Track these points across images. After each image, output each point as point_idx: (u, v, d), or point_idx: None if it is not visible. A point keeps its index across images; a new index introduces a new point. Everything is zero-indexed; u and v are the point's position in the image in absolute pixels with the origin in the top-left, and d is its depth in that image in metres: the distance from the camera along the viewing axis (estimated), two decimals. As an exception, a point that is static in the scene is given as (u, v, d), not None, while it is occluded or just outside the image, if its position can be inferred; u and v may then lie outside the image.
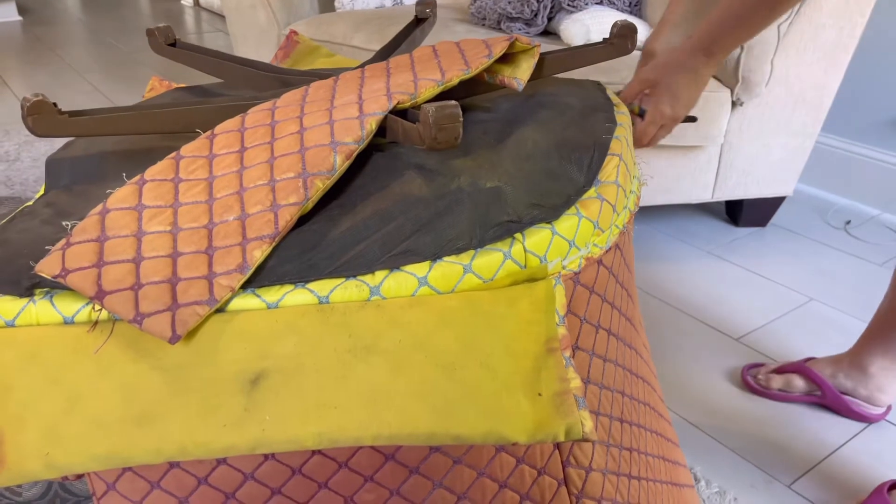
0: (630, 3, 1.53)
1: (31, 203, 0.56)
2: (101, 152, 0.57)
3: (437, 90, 0.51)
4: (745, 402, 1.08)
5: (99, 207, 0.45)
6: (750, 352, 1.20)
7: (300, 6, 1.83)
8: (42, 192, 0.59)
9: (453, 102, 0.42)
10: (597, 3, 1.46)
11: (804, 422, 1.04)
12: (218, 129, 0.49)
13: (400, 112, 0.50)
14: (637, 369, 0.60)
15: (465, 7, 1.86)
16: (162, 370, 0.40)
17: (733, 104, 1.37)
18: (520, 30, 1.52)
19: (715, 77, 1.36)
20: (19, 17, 3.68)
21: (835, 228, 1.62)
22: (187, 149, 0.48)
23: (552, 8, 1.49)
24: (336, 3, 1.85)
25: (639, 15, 1.55)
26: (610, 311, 0.54)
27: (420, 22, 0.76)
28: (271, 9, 1.76)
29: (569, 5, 1.45)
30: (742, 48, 1.30)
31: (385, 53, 0.69)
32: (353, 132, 0.47)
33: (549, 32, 1.55)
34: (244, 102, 0.54)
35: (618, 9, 1.50)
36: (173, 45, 0.72)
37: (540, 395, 0.42)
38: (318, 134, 0.47)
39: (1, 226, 0.52)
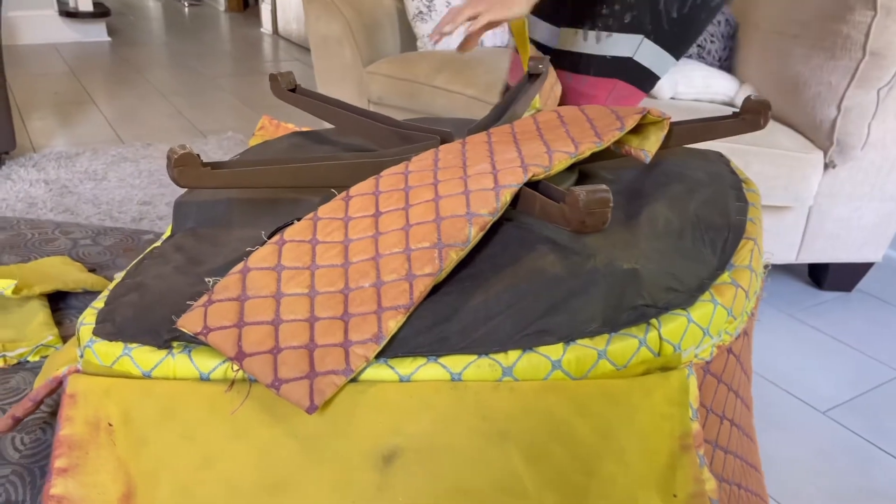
0: (720, 58, 1.51)
1: (158, 244, 0.58)
2: (227, 198, 0.59)
3: (570, 162, 0.51)
4: (835, 482, 1.02)
5: (240, 266, 0.45)
6: (836, 427, 1.14)
7: (384, 45, 1.87)
8: (168, 233, 0.60)
9: (604, 187, 0.41)
10: (685, 56, 1.45)
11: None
12: (353, 190, 0.50)
13: (533, 183, 0.49)
14: (751, 458, 0.58)
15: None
16: (297, 438, 0.40)
17: (826, 166, 1.33)
18: (605, 79, 1.51)
19: (808, 138, 1.32)
20: (108, 38, 3.87)
21: (926, 299, 1.54)
22: (324, 210, 0.49)
23: (639, 59, 1.48)
24: (418, 43, 1.89)
25: (728, 69, 1.53)
26: (735, 399, 0.52)
27: (532, 77, 0.76)
28: (357, 45, 1.80)
29: (657, 57, 1.44)
30: (839, 110, 1.26)
31: (501, 110, 0.69)
32: (489, 204, 0.47)
33: (633, 82, 1.54)
34: (378, 160, 0.55)
35: (707, 63, 1.48)
36: (293, 90, 0.74)
37: (675, 496, 0.40)
38: (453, 203, 0.47)
39: (133, 268, 0.54)
